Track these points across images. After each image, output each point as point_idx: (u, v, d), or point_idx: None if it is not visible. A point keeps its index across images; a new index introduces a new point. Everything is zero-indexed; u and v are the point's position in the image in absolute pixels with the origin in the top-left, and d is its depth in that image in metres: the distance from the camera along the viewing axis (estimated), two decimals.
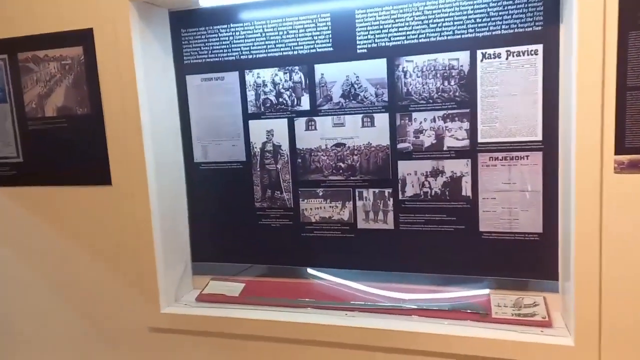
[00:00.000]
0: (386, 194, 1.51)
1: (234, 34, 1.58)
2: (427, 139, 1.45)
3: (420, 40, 1.42)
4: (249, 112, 1.61)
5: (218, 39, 1.60)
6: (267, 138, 1.61)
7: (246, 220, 1.67)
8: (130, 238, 1.57)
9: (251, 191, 1.65)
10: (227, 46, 1.60)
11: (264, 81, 1.58)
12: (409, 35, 1.43)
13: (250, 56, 1.58)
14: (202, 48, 1.63)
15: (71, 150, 1.58)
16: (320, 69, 1.52)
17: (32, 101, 1.60)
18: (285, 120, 1.58)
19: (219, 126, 1.65)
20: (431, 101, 1.43)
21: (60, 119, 1.58)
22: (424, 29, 1.41)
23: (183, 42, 1.64)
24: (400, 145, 1.48)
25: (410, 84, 1.44)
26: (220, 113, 1.64)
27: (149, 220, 1.52)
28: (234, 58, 1.60)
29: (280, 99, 1.57)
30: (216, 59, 1.62)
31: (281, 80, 1.56)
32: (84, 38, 1.50)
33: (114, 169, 1.55)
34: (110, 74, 1.50)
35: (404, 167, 1.48)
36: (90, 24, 1.50)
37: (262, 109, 1.60)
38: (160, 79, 1.60)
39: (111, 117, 1.52)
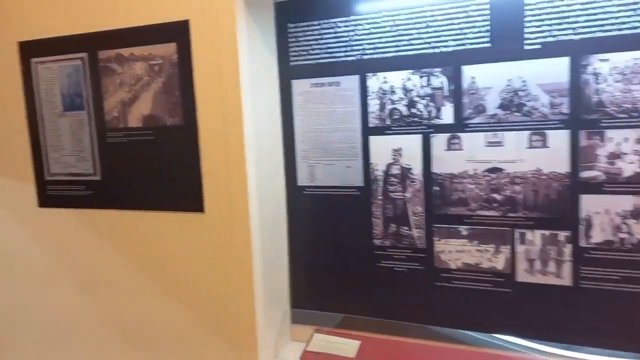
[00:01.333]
0: (562, 237, 1.13)
1: (355, 28, 1.27)
2: (628, 167, 1.06)
3: (622, 32, 1.04)
4: (371, 125, 1.28)
5: (334, 34, 1.29)
6: (393, 159, 1.27)
7: (361, 261, 1.33)
8: (222, 276, 1.27)
9: (369, 225, 1.31)
10: (346, 43, 1.29)
11: (392, 87, 1.25)
12: (605, 24, 1.05)
13: (375, 55, 1.26)
14: (314, 46, 1.32)
15: (157, 168, 1.31)
16: (470, 71, 1.17)
17: (114, 109, 1.34)
18: (419, 136, 1.24)
19: (331, 143, 1.33)
20: (636, 115, 1.04)
21: (146, 131, 1.31)
22: (628, 16, 1.03)
23: (290, 39, 1.35)
24: (585, 174, 1.10)
25: (604, 91, 1.06)
26: (333, 126, 1.32)
27: (248, 257, 1.21)
28: (353, 58, 1.28)
29: (413, 110, 1.24)
30: (331, 60, 1.31)
31: (415, 85, 1.23)
32: (178, 33, 1.23)
33: (209, 193, 1.26)
34: (208, 77, 1.21)
35: (590, 204, 1.10)
36: (186, 14, 1.22)
37: (389, 122, 1.26)
38: (264, 85, 1.30)
39: (207, 130, 1.24)
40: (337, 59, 1.30)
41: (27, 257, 1.55)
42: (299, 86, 1.35)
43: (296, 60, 1.35)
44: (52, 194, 1.47)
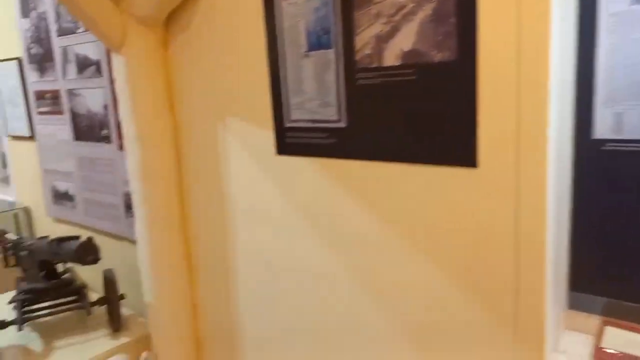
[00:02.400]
0: None
1: None
2: None
3: None
4: None
5: None
6: None
7: None
8: (497, 249, 1.05)
9: None
10: None
11: None
12: None
13: None
14: None
15: (416, 113, 1.11)
16: None
17: (367, 45, 1.17)
18: None
19: None
20: None
21: (406, 70, 1.12)
22: None
23: None
24: None
25: None
26: None
27: (541, 229, 0.96)
28: None
29: None
30: None
31: None
32: None
33: (485, 145, 1.02)
34: None
35: None
36: None
37: None
38: (562, 4, 0.99)
39: (491, 66, 0.99)
40: None
41: (265, 204, 1.53)
42: (612, 5, 1.00)
43: None
44: (291, 141, 1.40)
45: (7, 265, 2.22)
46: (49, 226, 2.62)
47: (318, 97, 1.30)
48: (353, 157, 1.27)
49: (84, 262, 1.70)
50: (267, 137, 1.47)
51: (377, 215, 1.25)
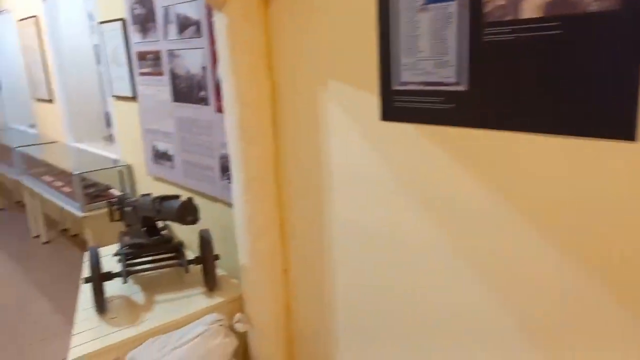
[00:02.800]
0: None
1: None
2: None
3: None
4: None
5: None
6: None
7: None
8: None
9: None
10: None
11: None
12: None
13: None
14: None
15: (560, 76, 0.95)
16: None
17: None
18: None
19: None
20: None
21: (550, 23, 0.94)
22: None
23: None
24: None
25: None
26: None
27: None
28: None
29: None
30: None
31: None
32: None
33: None
34: None
35: None
36: None
37: None
38: None
39: None
40: None
41: (366, 173, 1.44)
42: None
43: None
44: (400, 105, 1.28)
45: (112, 219, 2.36)
46: (148, 184, 2.74)
47: (434, 56, 1.17)
48: (473, 125, 1.13)
49: (184, 222, 1.73)
50: (371, 101, 1.36)
51: (500, 193, 1.11)
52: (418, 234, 1.33)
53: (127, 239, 2.09)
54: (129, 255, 1.98)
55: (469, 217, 1.19)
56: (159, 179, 2.63)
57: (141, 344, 1.72)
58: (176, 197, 1.85)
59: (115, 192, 3.02)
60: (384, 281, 1.49)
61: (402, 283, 1.43)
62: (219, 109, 1.99)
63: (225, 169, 2.07)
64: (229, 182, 2.06)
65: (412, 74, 1.23)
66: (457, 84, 1.13)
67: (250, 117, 1.64)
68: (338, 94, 1.46)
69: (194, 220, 1.72)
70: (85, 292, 2.01)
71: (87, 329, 1.73)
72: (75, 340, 1.66)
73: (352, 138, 1.46)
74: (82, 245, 3.72)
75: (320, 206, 1.66)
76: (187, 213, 1.74)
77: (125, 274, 1.86)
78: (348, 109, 1.44)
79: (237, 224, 1.81)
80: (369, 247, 1.50)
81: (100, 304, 1.82)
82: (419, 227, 1.32)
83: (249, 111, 1.63)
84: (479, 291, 1.21)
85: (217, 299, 1.94)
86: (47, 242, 3.78)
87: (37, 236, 3.89)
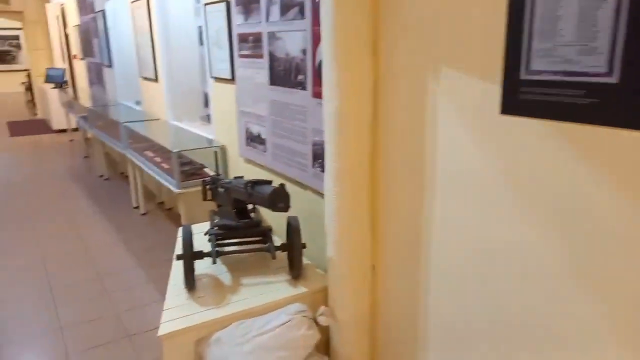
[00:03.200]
0: None
1: None
2: None
3: None
4: None
5: None
6: None
7: None
8: None
9: None
10: None
11: None
12: None
13: None
14: None
15: None
16: None
17: None
18: None
19: None
20: None
21: None
22: None
23: None
24: None
25: None
26: None
27: None
28: None
29: None
30: None
31: None
32: None
33: None
34: None
35: None
36: None
37: None
38: None
39: None
40: None
41: (477, 173, 1.29)
42: None
43: None
44: (527, 98, 1.11)
45: (204, 198, 2.41)
46: (240, 166, 2.77)
47: (579, 42, 0.99)
48: (621, 125, 0.94)
49: (275, 208, 1.70)
50: (491, 91, 1.20)
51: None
52: (536, 248, 1.17)
53: (217, 220, 2.11)
54: (218, 235, 2.00)
55: (605, 236, 1.01)
56: (249, 161, 2.65)
57: (226, 325, 1.72)
58: (268, 182, 1.82)
59: (209, 171, 3.10)
60: (486, 291, 1.34)
61: (507, 296, 1.27)
62: (316, 95, 1.92)
63: (317, 157, 2.01)
64: (321, 171, 1.99)
65: (547, 61, 1.05)
66: (606, 74, 0.95)
67: (350, 105, 1.55)
68: (450, 83, 1.32)
69: (285, 208, 1.67)
70: (177, 268, 2.07)
71: (177, 306, 1.77)
72: (165, 316, 1.70)
73: (464, 133, 1.31)
74: (175, 218, 3.91)
75: (419, 205, 1.53)
76: (279, 199, 1.70)
77: (215, 255, 1.87)
78: (461, 100, 1.30)
79: (327, 215, 1.74)
80: (473, 255, 1.36)
81: (190, 281, 1.85)
82: (539, 241, 1.16)
83: (349, 99, 1.54)
84: (593, 310, 1.03)
85: (301, 289, 1.90)
86: (145, 214, 4.02)
87: (137, 207, 4.15)
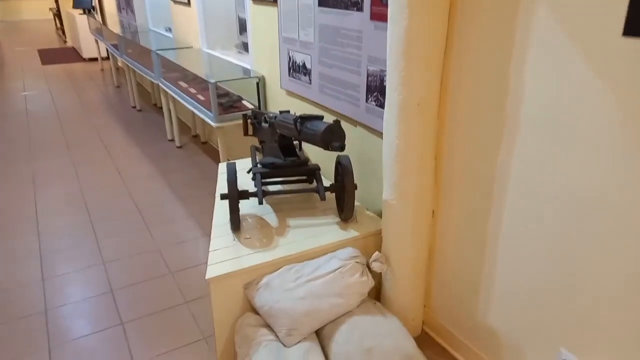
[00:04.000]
0: None
1: None
2: None
3: None
4: None
5: None
6: None
7: None
8: None
9: None
10: None
11: None
12: None
13: None
14: None
15: None
16: None
17: None
18: None
19: None
20: None
21: None
22: None
23: None
24: None
25: None
26: None
27: None
28: None
29: None
30: None
31: None
32: None
33: None
34: None
35: None
36: None
37: None
38: None
39: None
40: None
41: (579, 112, 1.09)
42: None
43: None
44: None
45: (246, 133, 2.26)
46: (281, 99, 2.59)
47: None
48: None
49: (328, 147, 1.53)
50: (611, 6, 0.97)
51: None
52: None
53: (263, 158, 1.97)
54: (264, 175, 1.87)
55: None
56: (292, 94, 2.46)
57: (274, 269, 1.63)
58: (319, 117, 1.64)
59: (247, 104, 2.93)
60: (564, 250, 1.18)
61: (589, 263, 1.11)
62: (375, 16, 1.68)
63: (371, 89, 1.81)
64: (376, 105, 1.80)
65: None
66: None
67: (422, 26, 1.32)
68: None
69: (340, 147, 1.50)
70: (220, 207, 1.97)
71: (223, 247, 1.68)
72: (212, 258, 1.62)
73: (566, 60, 1.09)
74: (211, 152, 3.81)
75: (495, 148, 1.34)
76: (334, 137, 1.53)
77: (261, 195, 1.75)
78: (564, 18, 1.06)
79: (385, 155, 1.57)
80: (556, 211, 1.18)
81: (236, 222, 1.75)
82: None
83: (422, 18, 1.31)
84: None
85: (352, 233, 1.78)
86: (180, 147, 3.93)
87: (172, 140, 4.05)
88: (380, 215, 1.91)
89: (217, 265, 1.58)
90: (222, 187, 2.17)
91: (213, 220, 1.87)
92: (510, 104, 1.26)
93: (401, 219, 1.60)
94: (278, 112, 1.87)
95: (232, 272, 1.56)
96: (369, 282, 1.64)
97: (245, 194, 1.76)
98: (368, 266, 1.68)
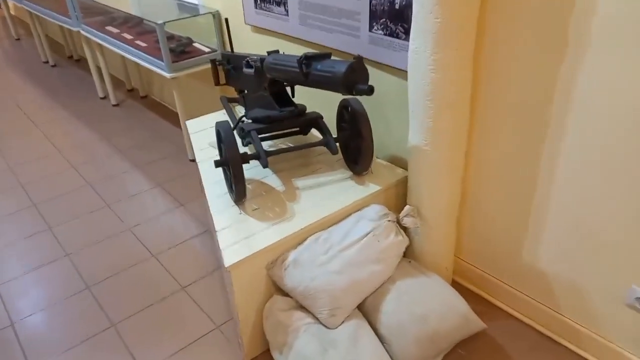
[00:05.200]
0: None
1: None
2: None
3: None
4: None
5: None
6: None
7: None
8: None
9: None
10: None
11: None
12: None
13: None
14: None
15: None
16: None
17: None
18: None
19: None
20: None
21: None
22: None
23: None
24: None
25: None
26: None
27: None
28: None
29: None
30: None
31: None
32: None
33: None
34: None
35: None
36: None
37: None
38: None
39: None
40: None
41: None
42: None
43: None
44: None
45: (217, 82, 1.91)
46: (245, 37, 2.21)
47: None
48: None
49: (352, 91, 1.25)
50: None
51: None
52: None
53: (254, 111, 1.65)
54: (259, 131, 1.57)
55: None
56: (261, 29, 2.09)
57: (297, 242, 1.40)
58: (327, 55, 1.34)
59: (201, 47, 2.50)
60: (620, 199, 1.04)
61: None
62: None
63: (377, 15, 1.52)
64: (385, 34, 1.52)
65: None
66: None
67: None
68: None
69: (370, 89, 1.23)
70: (208, 175, 1.66)
71: (231, 225, 1.41)
72: (223, 240, 1.34)
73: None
74: (156, 108, 3.35)
75: (548, 73, 1.14)
76: (358, 78, 1.25)
77: (265, 155, 1.47)
78: None
79: (413, 94, 1.34)
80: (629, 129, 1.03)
81: (241, 192, 1.46)
82: None
83: None
84: None
85: (372, 187, 1.56)
86: (117, 105, 3.41)
87: (104, 97, 3.51)
88: (394, 162, 1.70)
89: (233, 248, 1.31)
90: (199, 150, 1.84)
91: (206, 193, 1.57)
92: (576, 17, 1.05)
93: (435, 165, 1.40)
94: (266, 54, 1.54)
95: (253, 254, 1.30)
96: (405, 241, 1.46)
97: (245, 157, 1.47)
98: (398, 222, 1.49)
